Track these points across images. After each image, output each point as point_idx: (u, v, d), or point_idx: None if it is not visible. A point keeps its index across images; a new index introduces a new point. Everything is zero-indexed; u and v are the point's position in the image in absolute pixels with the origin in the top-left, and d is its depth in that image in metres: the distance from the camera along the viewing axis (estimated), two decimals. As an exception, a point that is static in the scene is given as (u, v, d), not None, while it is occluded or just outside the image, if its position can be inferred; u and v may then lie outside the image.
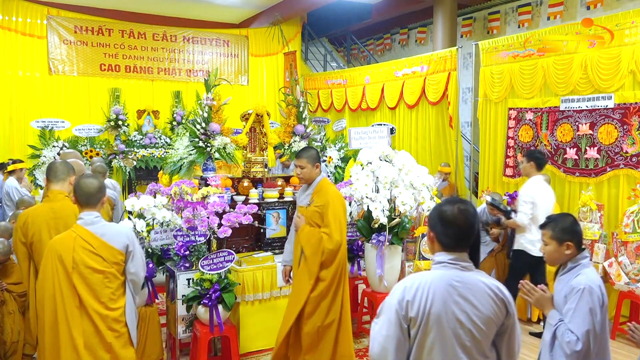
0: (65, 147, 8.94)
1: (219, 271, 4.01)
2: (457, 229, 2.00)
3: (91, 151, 9.03)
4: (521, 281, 2.68)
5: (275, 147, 5.93)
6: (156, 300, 4.43)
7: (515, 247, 5.03)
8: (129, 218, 4.22)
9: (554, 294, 2.61)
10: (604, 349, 2.51)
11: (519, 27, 9.28)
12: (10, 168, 6.90)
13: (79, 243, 2.89)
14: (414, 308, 1.94)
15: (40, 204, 3.66)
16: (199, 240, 4.33)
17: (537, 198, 4.85)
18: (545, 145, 6.15)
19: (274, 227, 5.04)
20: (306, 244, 3.82)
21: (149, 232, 4.32)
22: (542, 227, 2.68)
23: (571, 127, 5.87)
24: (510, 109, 6.62)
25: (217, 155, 5.29)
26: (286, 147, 5.89)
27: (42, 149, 8.87)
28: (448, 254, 2.01)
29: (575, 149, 5.82)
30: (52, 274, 2.88)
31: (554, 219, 2.66)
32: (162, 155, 9.52)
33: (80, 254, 2.87)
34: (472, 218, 2.01)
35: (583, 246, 2.62)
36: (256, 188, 5.22)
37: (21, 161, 7.25)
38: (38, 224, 3.38)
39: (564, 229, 2.57)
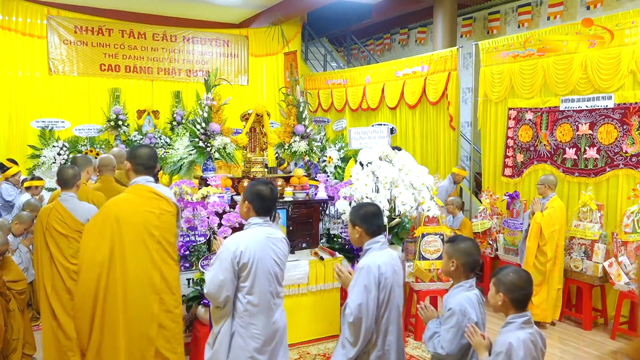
0: (65, 147, 8.95)
1: (219, 271, 4.01)
2: (270, 201, 2.90)
3: (91, 151, 9.02)
4: (335, 265, 2.97)
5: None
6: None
7: None
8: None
9: None
10: (387, 327, 2.74)
11: (519, 27, 9.28)
12: (30, 184, 6.75)
13: (53, 212, 3.86)
14: (245, 256, 2.72)
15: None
16: (199, 240, 4.33)
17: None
18: (544, 145, 6.15)
19: (274, 227, 5.04)
20: None
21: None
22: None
23: (571, 127, 5.86)
24: (510, 108, 6.62)
25: (217, 155, 5.30)
26: (286, 147, 5.90)
27: (42, 149, 8.87)
28: (261, 218, 2.88)
29: (574, 149, 5.82)
30: (37, 234, 3.90)
31: (357, 205, 2.95)
32: (162, 155, 9.52)
33: (52, 221, 3.83)
34: (277, 194, 2.96)
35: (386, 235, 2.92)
36: (256, 188, 5.22)
37: (40, 178, 7.07)
38: None
39: (358, 215, 2.85)
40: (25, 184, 6.70)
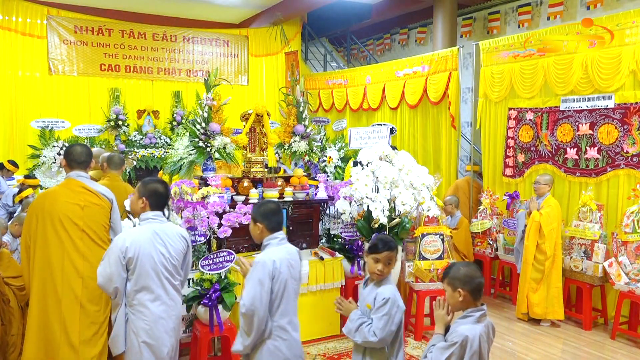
0: (65, 147, 8.94)
1: (219, 271, 4.01)
2: (160, 196, 3.14)
3: (91, 151, 9.04)
4: (238, 258, 3.09)
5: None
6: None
7: None
8: (129, 218, 4.21)
9: None
10: (283, 318, 2.86)
11: (519, 27, 9.27)
12: (21, 197, 6.72)
13: None
14: (130, 251, 2.97)
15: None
16: (199, 240, 4.33)
17: None
18: (545, 145, 6.15)
19: (274, 227, 5.03)
20: None
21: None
22: None
23: (571, 127, 5.86)
24: (510, 108, 6.62)
25: (217, 155, 5.29)
26: (286, 147, 5.89)
27: (42, 149, 8.87)
28: (153, 214, 3.12)
29: (575, 149, 5.82)
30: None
31: (258, 203, 3.09)
32: (162, 155, 9.52)
33: None
34: (167, 189, 3.22)
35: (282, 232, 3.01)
36: (256, 188, 5.22)
37: (27, 187, 7.02)
38: None
39: (259, 212, 2.97)
40: (17, 199, 6.70)
